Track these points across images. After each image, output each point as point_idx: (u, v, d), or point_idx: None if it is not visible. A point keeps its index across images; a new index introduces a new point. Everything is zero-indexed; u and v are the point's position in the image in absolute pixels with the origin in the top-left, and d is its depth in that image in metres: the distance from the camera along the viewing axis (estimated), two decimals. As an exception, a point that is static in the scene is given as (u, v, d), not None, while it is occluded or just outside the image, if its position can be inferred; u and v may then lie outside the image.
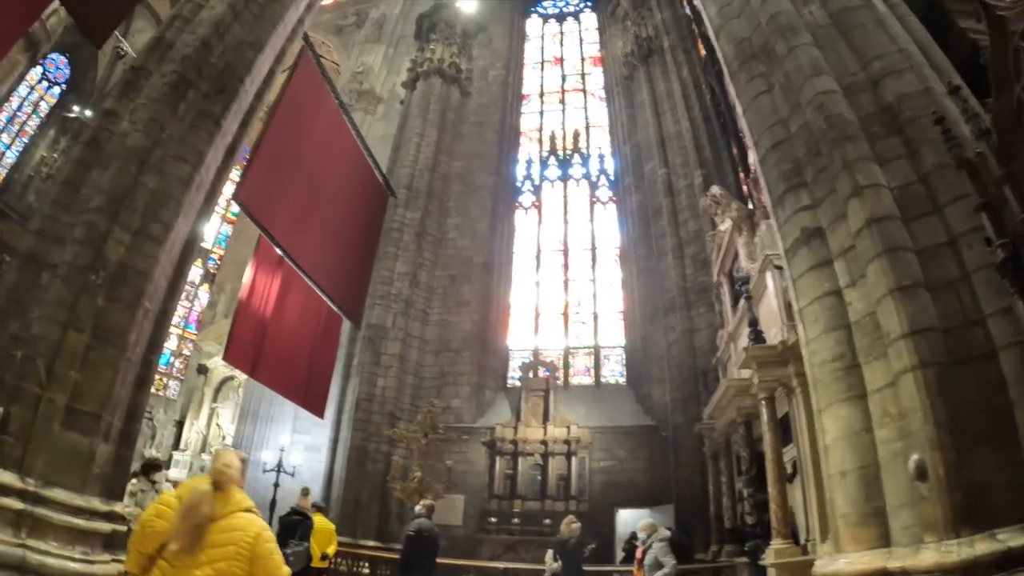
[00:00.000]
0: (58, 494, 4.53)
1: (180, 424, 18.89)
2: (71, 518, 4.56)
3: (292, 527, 6.06)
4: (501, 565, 10.43)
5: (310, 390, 8.77)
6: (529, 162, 19.00)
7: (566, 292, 16.69)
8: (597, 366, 15.58)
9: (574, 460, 12.80)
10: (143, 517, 2.20)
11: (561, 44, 22.27)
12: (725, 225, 9.95)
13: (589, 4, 22.75)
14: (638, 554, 7.03)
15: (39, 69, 19.35)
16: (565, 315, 16.35)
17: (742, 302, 8.53)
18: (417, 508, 6.95)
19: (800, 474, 6.73)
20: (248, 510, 2.28)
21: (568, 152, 18.78)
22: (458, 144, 18.47)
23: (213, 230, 23.28)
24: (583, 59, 21.60)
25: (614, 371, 15.45)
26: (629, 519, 11.39)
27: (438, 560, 6.75)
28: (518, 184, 18.59)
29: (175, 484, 8.40)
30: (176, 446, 18.11)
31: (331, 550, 7.11)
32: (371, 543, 11.93)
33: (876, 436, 3.82)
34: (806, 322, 4.55)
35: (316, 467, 13.67)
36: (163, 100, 6.04)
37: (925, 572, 3.28)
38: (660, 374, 13.54)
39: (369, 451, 13.30)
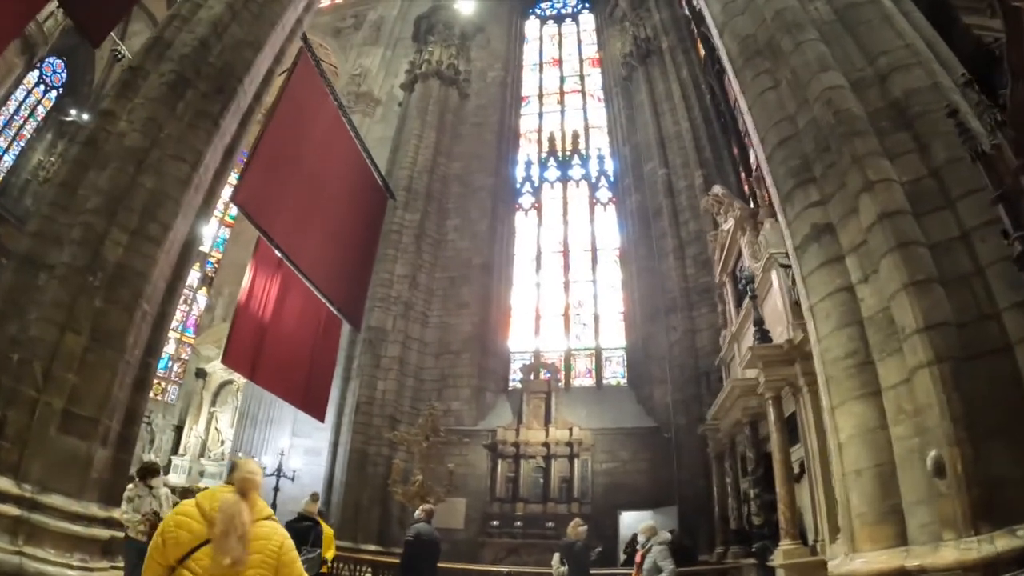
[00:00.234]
0: (55, 500, 4.44)
1: (179, 429, 18.72)
2: (69, 524, 4.48)
3: (303, 533, 5.90)
4: (504, 569, 10.31)
5: (310, 393, 8.69)
6: (528, 163, 18.95)
7: (566, 293, 16.63)
8: (598, 367, 15.52)
9: (576, 462, 12.74)
10: (162, 527, 2.13)
11: (560, 45, 22.29)
12: (728, 225, 9.91)
13: (587, 5, 22.77)
14: (637, 558, 6.93)
15: (36, 72, 19.26)
16: (566, 317, 16.29)
17: (746, 301, 8.48)
18: (416, 513, 6.88)
19: (808, 474, 6.67)
20: (269, 518, 2.25)
21: (567, 153, 18.74)
22: (457, 146, 18.41)
23: (211, 234, 23.12)
24: (582, 60, 21.60)
25: (615, 372, 15.39)
26: (632, 521, 11.30)
27: (440, 564, 6.66)
28: (517, 185, 18.54)
29: (173, 489, 8.30)
30: (175, 451, 17.96)
31: (330, 555, 7.01)
32: (372, 548, 11.84)
33: (892, 433, 3.77)
34: (817, 319, 4.50)
35: (316, 471, 13.56)
36: (161, 100, 5.99)
37: (945, 570, 3.23)
38: (662, 375, 13.50)
39: (369, 454, 13.21)
